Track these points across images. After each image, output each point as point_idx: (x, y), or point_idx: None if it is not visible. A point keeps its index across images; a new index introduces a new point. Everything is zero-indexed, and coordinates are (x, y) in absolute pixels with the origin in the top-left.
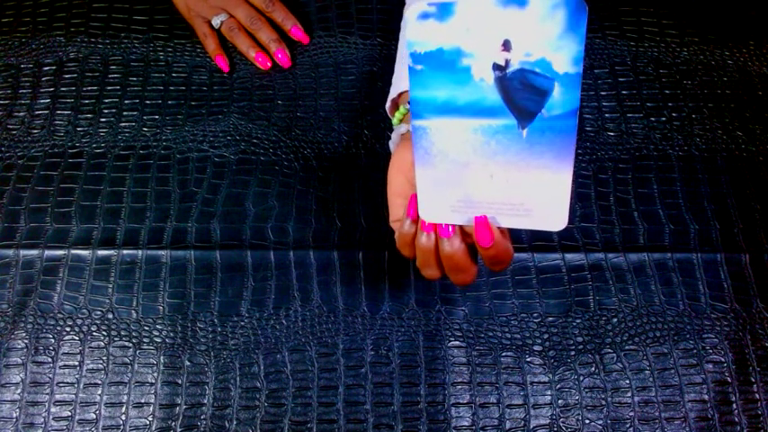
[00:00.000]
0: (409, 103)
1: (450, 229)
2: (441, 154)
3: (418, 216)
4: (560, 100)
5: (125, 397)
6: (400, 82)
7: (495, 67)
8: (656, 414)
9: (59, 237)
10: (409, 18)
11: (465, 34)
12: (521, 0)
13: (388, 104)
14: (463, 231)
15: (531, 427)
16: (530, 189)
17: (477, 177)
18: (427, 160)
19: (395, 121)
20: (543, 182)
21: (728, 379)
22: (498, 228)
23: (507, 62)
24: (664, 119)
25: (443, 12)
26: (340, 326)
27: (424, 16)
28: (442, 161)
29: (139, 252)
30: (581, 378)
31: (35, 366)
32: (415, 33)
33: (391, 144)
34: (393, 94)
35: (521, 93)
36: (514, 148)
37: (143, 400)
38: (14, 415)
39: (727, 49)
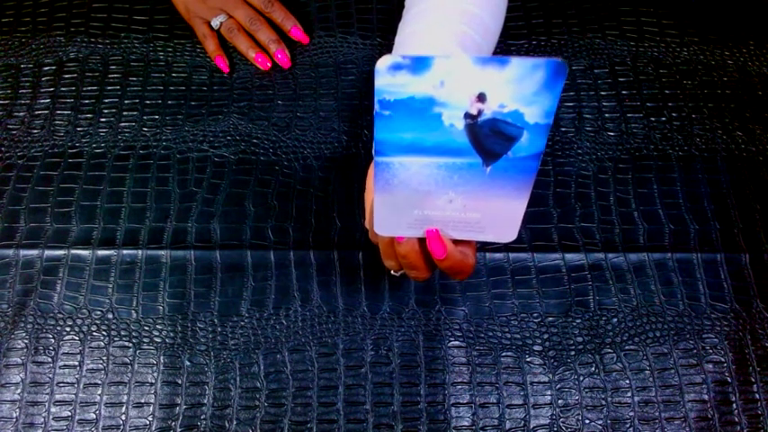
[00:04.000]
0: (374, 142)
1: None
2: (402, 184)
3: None
4: (527, 145)
5: (125, 397)
6: None
7: (467, 115)
8: (656, 414)
9: (59, 237)
10: (380, 68)
11: (439, 86)
12: (501, 60)
13: None
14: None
15: (531, 427)
16: (486, 212)
17: (435, 201)
18: (387, 189)
19: None
20: (499, 207)
21: (728, 379)
22: (454, 240)
23: (480, 112)
24: (664, 119)
25: (418, 65)
26: (340, 326)
27: (397, 67)
28: (403, 190)
29: (139, 252)
30: (581, 378)
31: (35, 366)
32: (385, 82)
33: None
34: None
35: (490, 138)
36: (476, 182)
37: (143, 400)
38: (14, 415)
39: (727, 49)
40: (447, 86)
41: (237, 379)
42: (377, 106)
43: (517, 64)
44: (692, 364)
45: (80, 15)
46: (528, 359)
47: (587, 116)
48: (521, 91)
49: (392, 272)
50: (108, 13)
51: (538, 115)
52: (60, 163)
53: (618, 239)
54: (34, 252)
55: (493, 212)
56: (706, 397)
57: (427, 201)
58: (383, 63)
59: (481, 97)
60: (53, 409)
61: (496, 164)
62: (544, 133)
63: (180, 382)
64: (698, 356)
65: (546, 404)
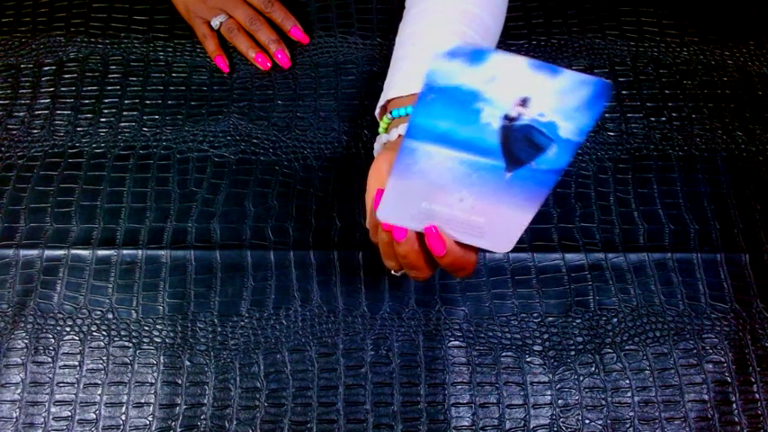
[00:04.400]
0: (409, 123)
1: (403, 234)
2: (420, 172)
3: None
4: (552, 159)
5: (125, 397)
6: (390, 89)
7: (506, 117)
8: (656, 414)
9: (59, 237)
10: (438, 52)
11: (488, 82)
12: (553, 69)
13: (377, 110)
14: (421, 235)
15: (531, 427)
16: (491, 218)
17: (446, 197)
18: (405, 175)
19: (380, 128)
20: (506, 216)
21: (728, 379)
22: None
23: (519, 116)
24: (664, 119)
25: (475, 56)
26: (340, 326)
27: (454, 54)
28: (420, 179)
29: (139, 252)
30: (581, 378)
31: (35, 366)
32: (439, 67)
33: (374, 152)
34: (382, 100)
35: (519, 143)
36: (493, 185)
37: (143, 400)
38: (14, 415)
39: (727, 49)
40: (496, 83)
41: (237, 379)
42: (424, 88)
43: (568, 76)
44: (692, 364)
45: (80, 15)
46: (528, 359)
47: None
48: (563, 104)
49: (393, 272)
50: (108, 13)
51: (571, 131)
52: (60, 163)
53: (618, 239)
54: (34, 252)
55: (497, 220)
56: (706, 397)
57: (439, 195)
58: (443, 47)
59: (524, 102)
60: (53, 409)
61: (518, 171)
62: (572, 150)
63: (180, 382)
64: (698, 356)
65: (546, 404)
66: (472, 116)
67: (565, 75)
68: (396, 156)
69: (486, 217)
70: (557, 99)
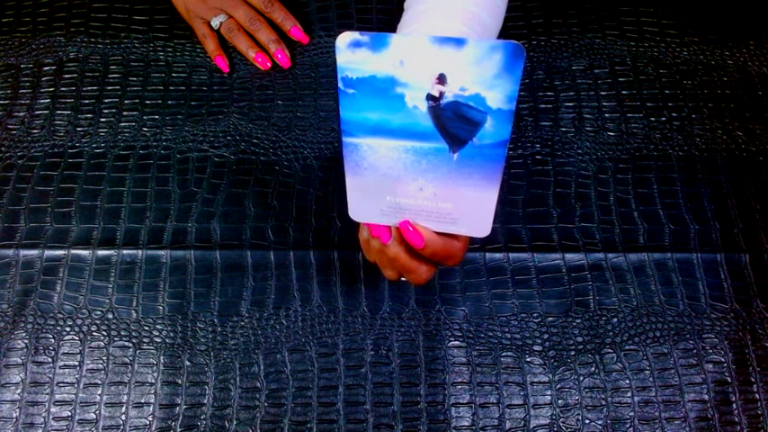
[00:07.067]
0: (340, 121)
1: (388, 236)
2: (371, 167)
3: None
4: (492, 132)
5: (125, 397)
6: None
7: (429, 97)
8: (656, 414)
9: (59, 237)
10: (339, 45)
11: (399, 66)
12: (458, 41)
13: None
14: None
15: (531, 427)
16: (457, 202)
17: (406, 188)
18: (357, 172)
19: None
20: (470, 198)
21: (728, 379)
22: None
23: (441, 94)
24: (664, 119)
25: (377, 43)
26: (340, 326)
27: (356, 44)
28: (373, 174)
29: (139, 252)
30: (581, 378)
31: (35, 366)
32: (346, 60)
33: None
34: None
35: (453, 122)
36: (444, 168)
37: (143, 400)
38: (14, 415)
39: (727, 49)
40: (407, 66)
41: (237, 379)
42: (340, 84)
43: (474, 45)
44: (692, 364)
45: (80, 15)
46: (528, 359)
47: (587, 116)
48: (480, 73)
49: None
50: (108, 13)
51: (500, 100)
52: (60, 163)
53: (618, 239)
54: (34, 252)
55: (464, 203)
56: (706, 397)
57: (398, 187)
58: (343, 40)
59: (441, 78)
60: (53, 409)
61: (463, 150)
62: (508, 120)
63: (180, 382)
64: (698, 356)
65: (546, 404)
66: (397, 102)
67: (471, 44)
68: (343, 155)
69: (453, 202)
70: (473, 70)
